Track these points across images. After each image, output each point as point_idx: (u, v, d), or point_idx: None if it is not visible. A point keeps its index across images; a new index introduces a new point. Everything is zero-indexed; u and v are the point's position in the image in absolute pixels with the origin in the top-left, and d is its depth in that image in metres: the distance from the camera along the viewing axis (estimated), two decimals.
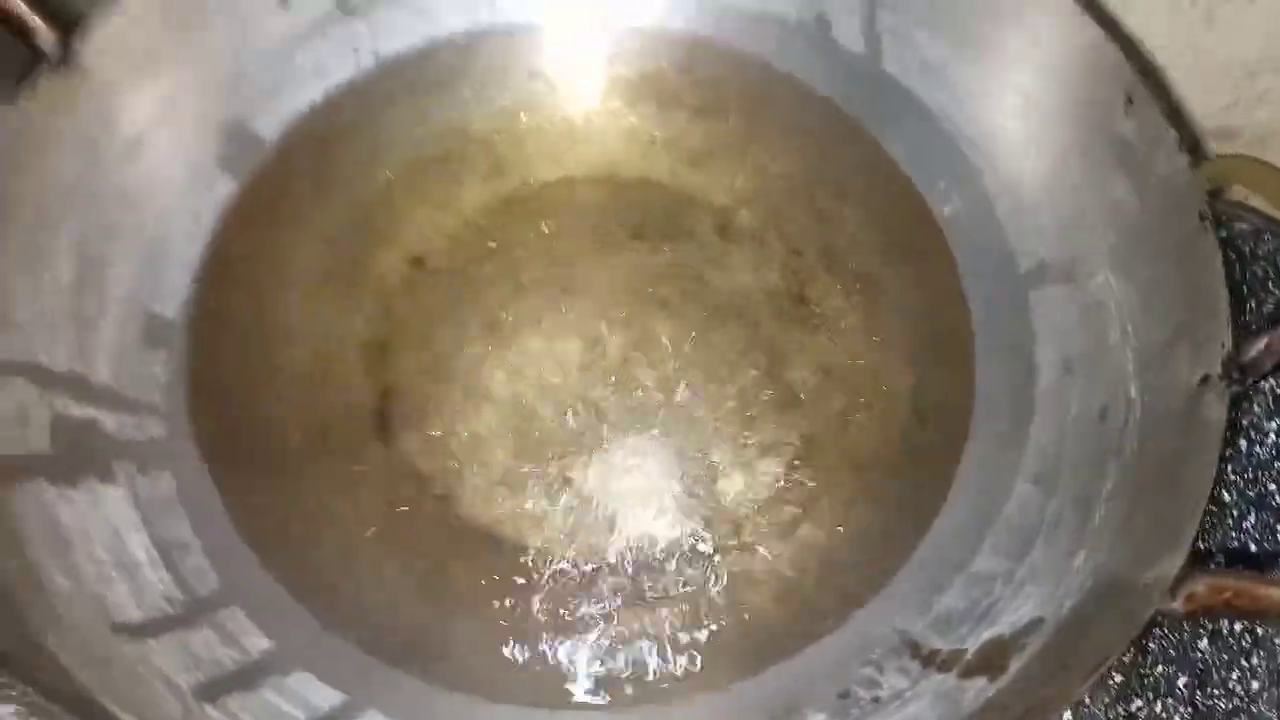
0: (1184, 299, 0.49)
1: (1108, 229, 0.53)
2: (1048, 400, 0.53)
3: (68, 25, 0.50)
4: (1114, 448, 0.49)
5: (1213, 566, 0.45)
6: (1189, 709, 0.55)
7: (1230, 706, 0.55)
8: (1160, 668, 0.56)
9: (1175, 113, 0.73)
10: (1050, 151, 0.56)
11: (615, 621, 0.52)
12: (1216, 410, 0.45)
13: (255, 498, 0.53)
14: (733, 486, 0.55)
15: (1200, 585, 0.40)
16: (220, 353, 0.56)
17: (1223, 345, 0.46)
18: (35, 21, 0.49)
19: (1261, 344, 0.45)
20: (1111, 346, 0.52)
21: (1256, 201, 0.77)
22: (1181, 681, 0.55)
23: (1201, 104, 0.79)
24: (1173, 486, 0.45)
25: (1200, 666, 0.56)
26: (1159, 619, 0.41)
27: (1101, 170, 0.54)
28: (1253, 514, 0.60)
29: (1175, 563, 0.42)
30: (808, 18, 0.62)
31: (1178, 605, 0.40)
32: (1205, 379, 0.46)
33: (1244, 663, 0.56)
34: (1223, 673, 0.56)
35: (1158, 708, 0.55)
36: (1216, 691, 0.55)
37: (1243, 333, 0.45)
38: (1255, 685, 0.55)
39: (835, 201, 0.61)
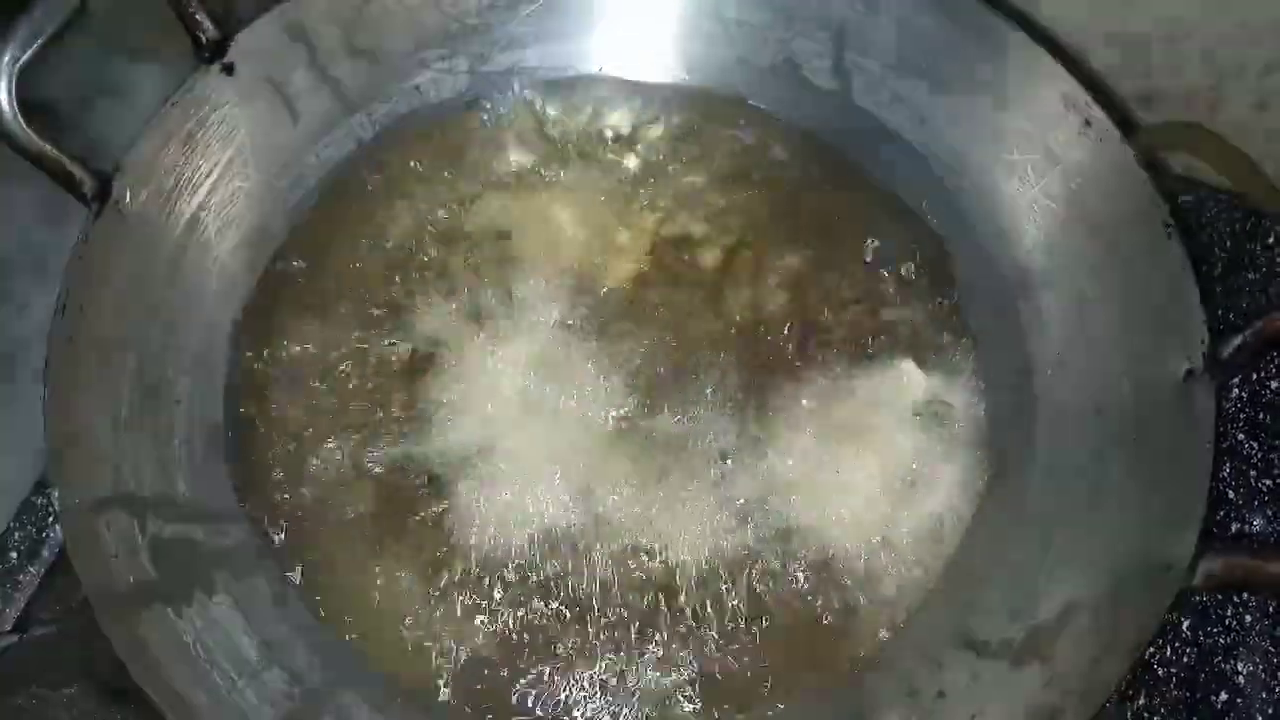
0: (1162, 301, 0.54)
1: (1085, 239, 0.59)
2: (1047, 398, 0.59)
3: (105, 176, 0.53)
4: (1114, 440, 0.55)
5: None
6: (1193, 648, 0.61)
7: (1229, 641, 0.62)
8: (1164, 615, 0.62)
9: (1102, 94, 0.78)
10: (1019, 171, 0.62)
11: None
12: (1205, 401, 0.51)
13: (330, 586, 0.56)
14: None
15: (1216, 564, 0.46)
16: (271, 448, 0.59)
17: (1202, 341, 0.52)
18: (81, 174, 0.51)
19: (1237, 341, 0.50)
20: (1100, 347, 0.57)
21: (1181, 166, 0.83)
22: (1185, 624, 0.62)
23: (1129, 73, 0.85)
24: (1177, 473, 0.51)
25: (1198, 608, 0.62)
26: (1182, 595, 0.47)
27: (1070, 184, 0.60)
28: (1227, 464, 0.67)
29: (1190, 542, 0.48)
30: (779, 60, 0.67)
31: (1198, 583, 0.46)
32: (1190, 372, 0.52)
33: (1236, 599, 0.63)
34: (1219, 611, 0.62)
35: (1167, 651, 0.61)
36: (1215, 629, 0.62)
37: (1221, 331, 0.51)
38: (1248, 619, 0.62)
39: (824, 228, 0.65)
